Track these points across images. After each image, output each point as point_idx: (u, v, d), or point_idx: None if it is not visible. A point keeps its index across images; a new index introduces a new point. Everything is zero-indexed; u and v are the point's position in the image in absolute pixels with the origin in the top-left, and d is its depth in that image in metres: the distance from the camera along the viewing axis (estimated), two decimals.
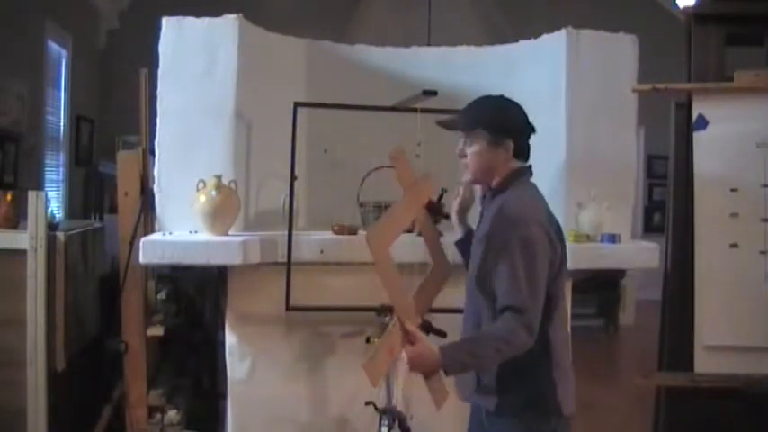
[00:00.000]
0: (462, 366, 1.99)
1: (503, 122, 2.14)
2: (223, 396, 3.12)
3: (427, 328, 2.25)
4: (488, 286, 2.03)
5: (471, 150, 2.14)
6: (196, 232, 2.88)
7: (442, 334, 2.28)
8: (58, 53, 5.73)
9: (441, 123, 2.28)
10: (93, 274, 3.67)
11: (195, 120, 2.97)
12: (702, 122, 2.81)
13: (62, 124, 5.88)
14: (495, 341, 1.93)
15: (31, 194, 3.00)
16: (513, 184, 2.12)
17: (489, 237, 2.05)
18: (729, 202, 2.75)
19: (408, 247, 2.99)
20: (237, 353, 2.99)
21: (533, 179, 2.18)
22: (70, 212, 5.83)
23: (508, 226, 2.00)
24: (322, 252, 2.93)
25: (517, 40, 3.47)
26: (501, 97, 2.20)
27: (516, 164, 2.14)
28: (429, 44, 4.48)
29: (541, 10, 5.86)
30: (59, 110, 5.81)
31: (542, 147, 2.31)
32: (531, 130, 2.16)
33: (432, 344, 2.02)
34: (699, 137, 2.81)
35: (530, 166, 2.19)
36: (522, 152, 2.15)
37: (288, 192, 2.88)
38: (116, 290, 3.20)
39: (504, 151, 2.11)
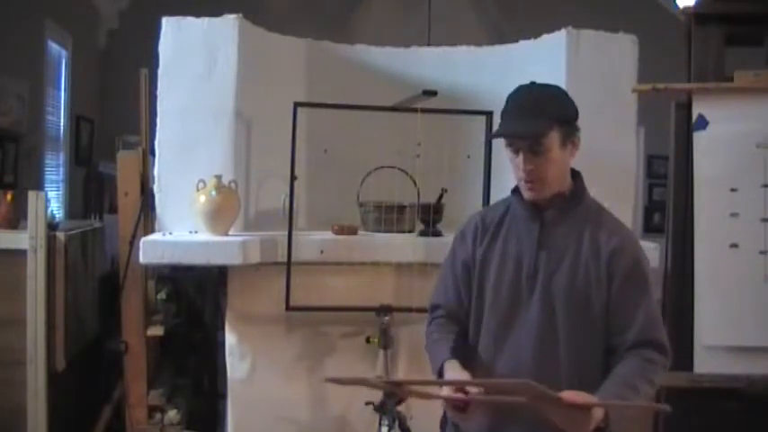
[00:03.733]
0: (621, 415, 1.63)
1: (571, 112, 1.78)
2: (223, 396, 3.13)
3: None
4: (603, 319, 1.73)
5: (547, 159, 1.72)
6: (196, 232, 2.89)
7: None
8: (58, 53, 5.71)
9: (505, 135, 1.77)
10: (93, 274, 3.67)
11: (195, 120, 2.97)
12: (702, 122, 2.80)
13: (62, 124, 5.87)
14: (647, 384, 1.65)
15: (31, 194, 3.00)
16: (586, 189, 1.84)
17: (618, 262, 1.73)
18: (729, 202, 2.75)
19: (409, 248, 3.00)
20: (237, 353, 2.99)
21: None
22: (70, 212, 5.82)
23: (638, 249, 1.78)
24: (322, 252, 2.93)
25: (517, 40, 3.46)
26: (544, 85, 1.81)
27: None
28: (429, 44, 4.47)
29: (541, 10, 5.85)
30: (59, 110, 5.80)
31: None
32: None
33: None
34: (699, 137, 2.80)
35: None
36: None
37: (288, 192, 2.88)
38: (116, 290, 3.20)
39: (572, 147, 1.77)
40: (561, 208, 1.79)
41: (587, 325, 1.73)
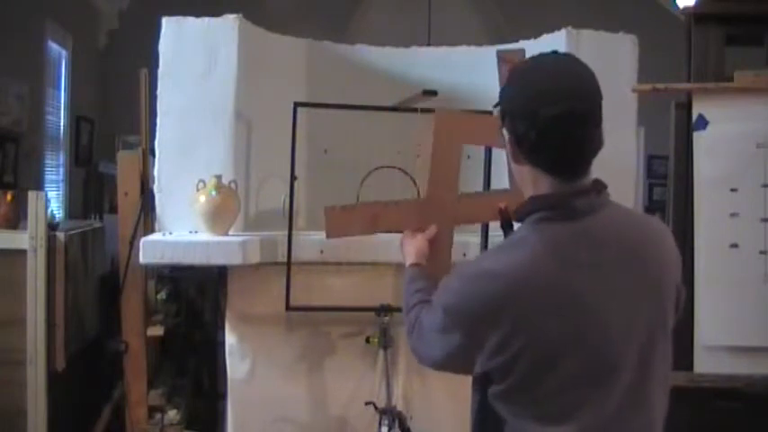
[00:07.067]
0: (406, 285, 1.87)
1: (515, 106, 1.36)
2: (223, 396, 3.13)
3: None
4: None
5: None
6: (196, 232, 2.89)
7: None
8: (58, 53, 5.72)
9: None
10: (93, 274, 3.67)
11: (195, 120, 2.97)
12: (702, 122, 2.80)
13: (62, 124, 5.87)
14: (416, 309, 1.69)
15: (31, 194, 3.00)
16: (527, 222, 1.36)
17: None
18: (729, 202, 2.75)
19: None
20: (237, 353, 2.99)
21: None
22: (70, 212, 5.83)
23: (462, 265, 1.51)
24: (322, 252, 2.93)
25: (517, 40, 3.46)
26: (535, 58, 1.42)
27: (550, 184, 1.37)
28: (429, 44, 4.47)
29: (541, 10, 5.85)
30: (59, 110, 5.81)
31: None
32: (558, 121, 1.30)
33: (423, 247, 2.09)
34: (699, 137, 2.80)
35: (567, 195, 1.37)
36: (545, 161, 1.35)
37: (288, 192, 2.88)
38: (116, 290, 3.20)
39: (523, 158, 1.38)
40: None
41: None
